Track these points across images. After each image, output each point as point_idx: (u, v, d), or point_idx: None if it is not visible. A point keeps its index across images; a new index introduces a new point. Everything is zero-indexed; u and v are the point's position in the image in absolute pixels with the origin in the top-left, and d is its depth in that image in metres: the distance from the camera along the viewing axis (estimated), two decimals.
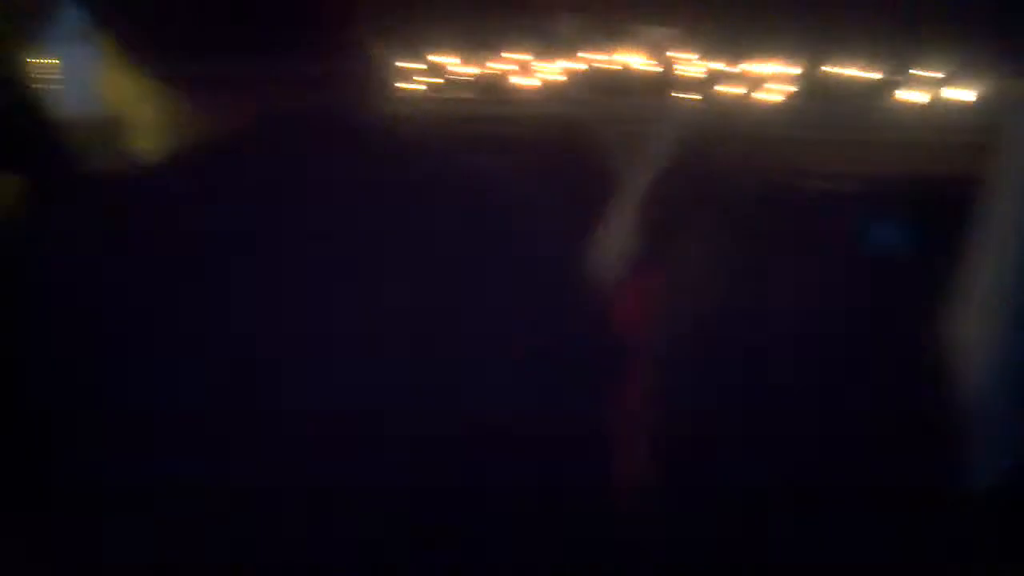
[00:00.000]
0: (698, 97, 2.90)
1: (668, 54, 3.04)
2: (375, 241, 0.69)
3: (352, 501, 0.67)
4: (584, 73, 3.21)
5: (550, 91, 3.30)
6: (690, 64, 3.08)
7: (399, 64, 3.50)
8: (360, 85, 0.74)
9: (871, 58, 2.85)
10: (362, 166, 0.71)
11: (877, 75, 2.90)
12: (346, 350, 0.67)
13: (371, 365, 0.67)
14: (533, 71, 3.31)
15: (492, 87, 3.42)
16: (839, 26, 2.98)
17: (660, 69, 3.04)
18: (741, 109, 2.89)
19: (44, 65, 3.07)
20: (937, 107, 2.70)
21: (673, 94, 2.91)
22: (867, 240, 1.52)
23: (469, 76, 3.48)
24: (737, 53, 3.05)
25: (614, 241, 1.98)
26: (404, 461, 0.67)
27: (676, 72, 3.04)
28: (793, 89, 2.93)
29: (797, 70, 2.97)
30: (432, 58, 3.52)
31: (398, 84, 3.40)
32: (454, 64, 3.51)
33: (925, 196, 1.99)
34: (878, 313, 1.26)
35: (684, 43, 3.09)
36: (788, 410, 1.13)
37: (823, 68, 2.92)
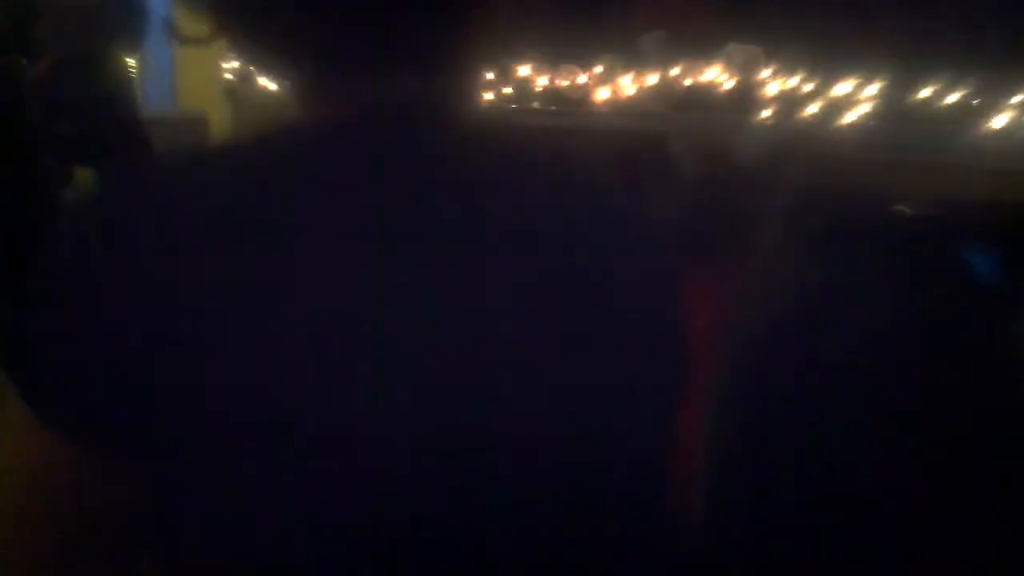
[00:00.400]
0: (783, 115, 2.86)
1: (752, 71, 3.00)
2: (457, 248, 0.69)
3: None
4: (666, 87, 3.18)
5: (630, 104, 3.28)
6: (775, 81, 3.03)
7: (486, 76, 3.51)
8: (448, 96, 0.74)
9: (962, 80, 2.78)
10: (447, 173, 0.71)
11: (967, 98, 2.82)
12: (414, 350, 0.67)
13: (451, 367, 0.67)
14: (614, 84, 3.29)
15: (573, 99, 3.41)
16: (928, 47, 2.91)
17: (743, 86, 3.00)
18: (824, 129, 2.84)
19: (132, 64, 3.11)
20: None
21: (756, 111, 2.87)
22: (955, 266, 1.48)
23: (550, 88, 3.47)
24: (823, 71, 2.99)
25: (689, 256, 1.96)
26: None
27: (760, 90, 3.00)
28: (880, 110, 2.86)
29: (885, 90, 2.90)
30: (514, 69, 3.53)
31: (483, 95, 3.42)
32: (535, 75, 3.51)
33: (1014, 223, 1.93)
34: (963, 337, 1.22)
35: (770, 60, 3.05)
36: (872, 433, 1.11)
37: (912, 89, 2.85)
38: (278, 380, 0.64)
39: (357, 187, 0.69)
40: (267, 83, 3.28)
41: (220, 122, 3.90)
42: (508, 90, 3.39)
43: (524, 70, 3.38)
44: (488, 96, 3.35)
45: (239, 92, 3.73)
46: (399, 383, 0.66)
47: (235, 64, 3.85)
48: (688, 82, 3.07)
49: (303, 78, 0.73)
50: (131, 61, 3.45)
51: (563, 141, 0.84)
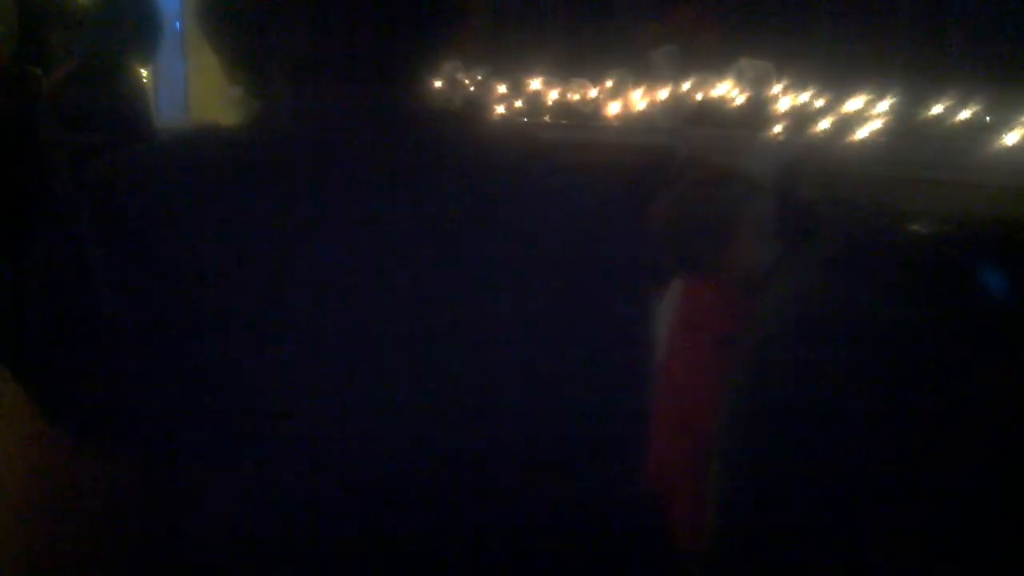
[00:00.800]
0: (794, 130, 2.86)
1: (763, 86, 3.00)
2: (457, 260, 0.69)
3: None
4: (677, 102, 3.18)
5: (640, 119, 3.28)
6: (786, 96, 3.03)
7: (490, 88, 3.51)
8: (451, 109, 0.75)
9: (974, 96, 2.78)
10: (448, 186, 0.71)
11: (979, 114, 2.82)
12: (413, 357, 0.67)
13: (425, 374, 0.67)
14: (625, 98, 3.29)
15: (583, 113, 3.41)
16: (939, 62, 2.91)
17: (754, 101, 3.00)
18: (836, 145, 2.84)
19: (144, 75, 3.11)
20: None
21: (767, 126, 2.87)
22: (968, 283, 1.46)
23: (560, 101, 3.48)
24: (834, 87, 2.99)
25: (697, 271, 1.95)
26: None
27: (771, 105, 3.00)
28: (892, 126, 2.86)
29: (896, 106, 2.90)
30: (523, 82, 3.53)
31: (489, 108, 3.43)
32: (545, 88, 3.51)
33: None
34: (976, 354, 1.21)
35: (781, 75, 3.05)
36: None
37: (924, 106, 2.85)
38: (272, 370, 0.65)
39: (338, 190, 0.69)
40: None
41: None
42: (519, 103, 3.40)
43: (535, 83, 3.38)
44: (499, 109, 3.36)
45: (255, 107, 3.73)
46: (385, 379, 0.67)
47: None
48: (699, 97, 3.08)
49: (286, 86, 0.73)
50: (144, 72, 3.47)
51: (547, 149, 0.83)
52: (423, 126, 0.75)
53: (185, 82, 4.17)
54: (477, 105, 3.22)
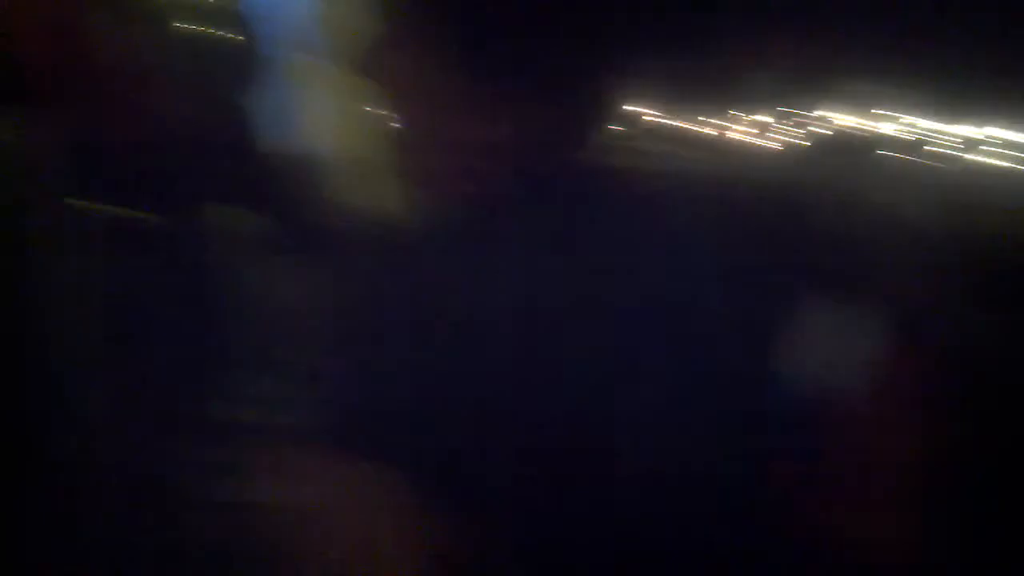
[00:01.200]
0: (926, 160, 2.79)
1: (884, 112, 2.95)
2: (584, 290, 0.71)
3: None
4: (796, 131, 3.15)
5: (764, 149, 3.25)
6: (906, 124, 2.97)
7: (610, 118, 3.52)
8: (573, 141, 0.77)
9: None
10: (576, 217, 0.73)
11: None
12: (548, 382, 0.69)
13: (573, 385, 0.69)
14: (743, 128, 3.27)
15: (699, 143, 3.40)
16: None
17: (877, 128, 2.95)
18: (980, 176, 2.76)
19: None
20: None
21: (898, 156, 2.81)
22: None
23: (676, 131, 3.47)
24: (958, 112, 2.92)
25: (828, 312, 1.92)
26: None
27: (895, 133, 2.94)
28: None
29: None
30: (640, 112, 3.53)
31: (610, 137, 3.43)
32: (661, 118, 3.51)
33: None
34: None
35: (899, 101, 2.99)
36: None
37: None
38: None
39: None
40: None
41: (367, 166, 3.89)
42: (633, 134, 3.40)
43: (648, 114, 3.38)
44: (615, 140, 3.37)
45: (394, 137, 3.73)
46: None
47: None
48: (815, 127, 3.04)
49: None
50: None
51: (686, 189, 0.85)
52: (595, 185, 0.76)
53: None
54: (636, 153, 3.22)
